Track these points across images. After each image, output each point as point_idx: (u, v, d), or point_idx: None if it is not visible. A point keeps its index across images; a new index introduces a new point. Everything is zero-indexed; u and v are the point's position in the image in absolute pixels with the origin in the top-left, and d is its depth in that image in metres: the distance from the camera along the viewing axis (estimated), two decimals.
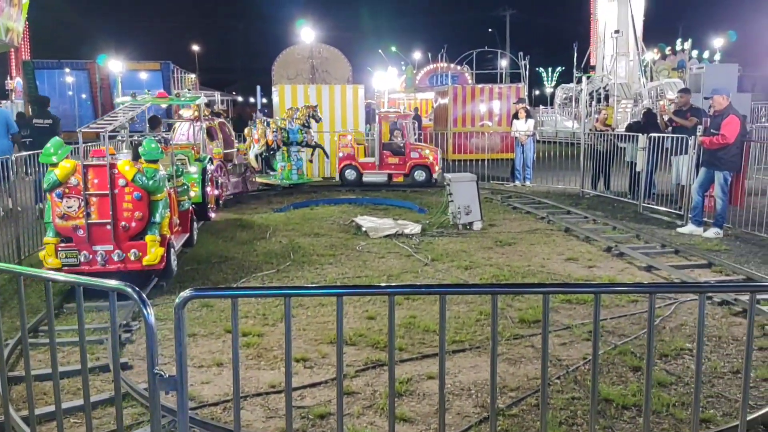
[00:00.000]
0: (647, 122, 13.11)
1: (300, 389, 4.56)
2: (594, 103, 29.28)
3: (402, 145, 15.16)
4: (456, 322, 5.88)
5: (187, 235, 8.52)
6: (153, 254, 6.78)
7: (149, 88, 27.53)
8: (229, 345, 5.44)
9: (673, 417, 4.10)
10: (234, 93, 50.41)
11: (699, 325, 2.74)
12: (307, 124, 15.06)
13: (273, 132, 14.62)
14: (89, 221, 6.69)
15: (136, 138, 9.54)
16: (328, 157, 16.36)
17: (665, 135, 11.28)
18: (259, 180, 14.97)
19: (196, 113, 11.62)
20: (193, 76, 33.56)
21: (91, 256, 6.76)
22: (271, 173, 15.78)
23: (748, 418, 3.90)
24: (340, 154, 15.41)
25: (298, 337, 5.63)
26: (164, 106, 17.71)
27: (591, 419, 2.87)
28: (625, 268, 7.73)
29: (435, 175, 14.82)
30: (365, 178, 15.21)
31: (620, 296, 6.53)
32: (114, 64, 13.26)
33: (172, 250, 7.31)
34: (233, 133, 14.58)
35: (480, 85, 25.41)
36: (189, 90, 23.68)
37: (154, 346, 2.56)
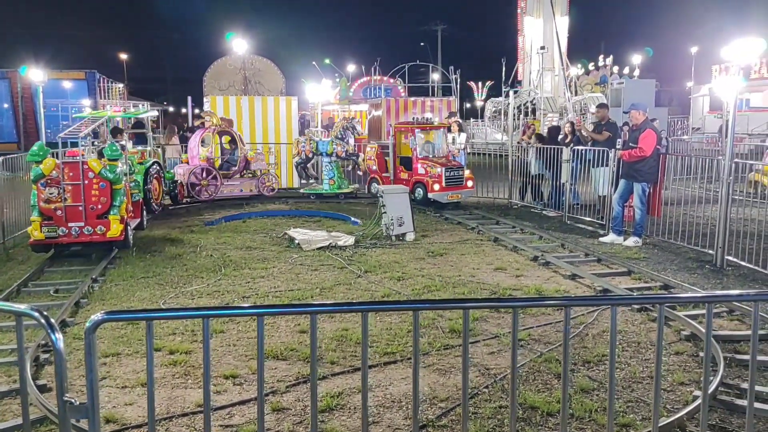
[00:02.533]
0: (550, 137, 13.81)
1: (228, 407, 4.49)
2: (522, 116, 30.15)
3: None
4: (388, 333, 5.92)
5: (139, 219, 10.76)
6: (115, 229, 9.06)
7: (74, 97, 26.68)
8: (155, 364, 5.29)
9: (596, 423, 4.24)
10: (165, 103, 49.22)
11: (612, 337, 2.86)
12: (340, 136, 15.21)
13: (303, 144, 15.67)
14: (66, 204, 8.93)
15: (97, 144, 11.74)
16: (359, 168, 16.17)
17: (586, 148, 11.73)
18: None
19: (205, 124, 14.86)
20: (120, 85, 32.59)
21: (67, 231, 8.89)
22: (312, 182, 16.57)
23: (661, 424, 4.10)
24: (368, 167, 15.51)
25: (228, 353, 5.54)
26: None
27: (512, 427, 2.94)
28: (551, 277, 7.97)
29: (430, 195, 13.50)
30: None
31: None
32: (35, 73, 12.70)
33: (128, 227, 9.52)
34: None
35: (413, 98, 25.82)
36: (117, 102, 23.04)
37: (63, 373, 2.45)
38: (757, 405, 4.32)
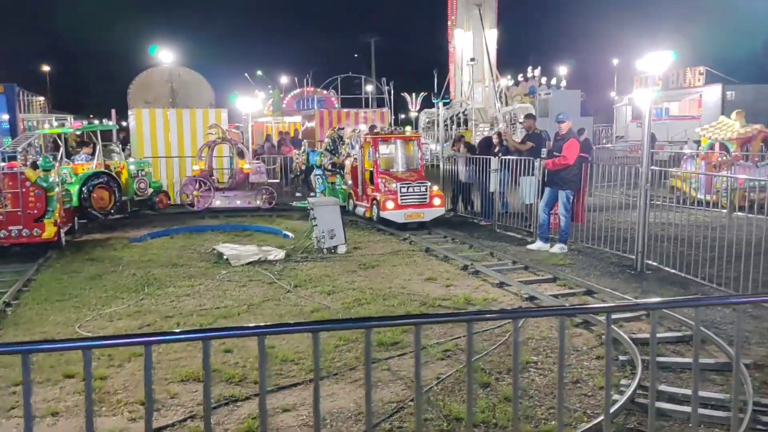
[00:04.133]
0: (483, 147, 14.14)
1: None
2: (455, 126, 30.62)
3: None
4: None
5: (70, 224, 11.89)
6: (49, 231, 10.18)
7: None
8: (68, 392, 5.03)
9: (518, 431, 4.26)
10: (91, 116, 47.53)
11: (515, 351, 2.86)
12: (330, 148, 14.83)
13: (298, 156, 15.62)
14: (6, 210, 10.03)
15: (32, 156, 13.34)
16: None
17: (513, 158, 11.96)
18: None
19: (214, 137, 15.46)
20: (41, 98, 31.30)
21: (7, 233, 9.99)
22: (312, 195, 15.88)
23: (581, 429, 4.17)
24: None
25: None
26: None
27: None
28: (480, 286, 8.05)
29: (383, 214, 12.22)
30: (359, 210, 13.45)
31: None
32: None
33: (61, 231, 10.63)
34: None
35: (345, 109, 25.83)
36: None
37: None
38: (674, 407, 4.47)
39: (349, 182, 14.13)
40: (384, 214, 12.07)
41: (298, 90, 31.75)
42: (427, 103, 38.46)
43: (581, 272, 8.60)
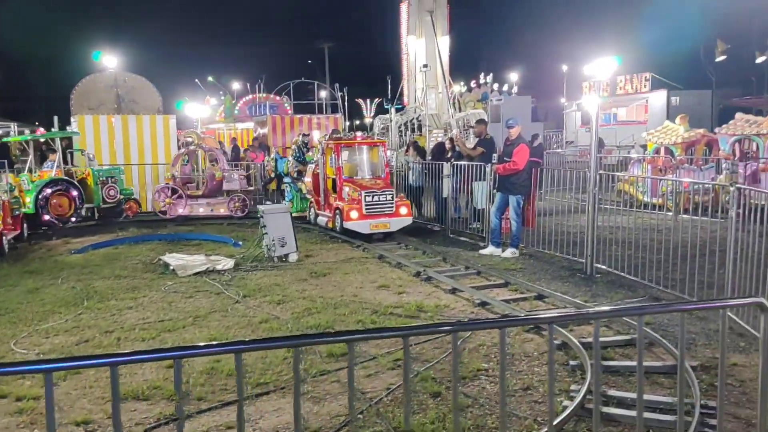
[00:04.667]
0: (437, 152, 14.20)
1: None
2: (409, 132, 30.67)
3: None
4: (262, 362, 5.63)
5: (18, 231, 11.90)
6: None
7: None
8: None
9: None
10: (37, 123, 45.92)
11: (454, 363, 2.76)
12: (296, 155, 14.31)
13: (267, 163, 15.25)
14: None
15: None
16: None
17: (465, 163, 11.98)
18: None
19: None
20: None
21: None
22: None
23: None
24: None
25: (83, 396, 5.06)
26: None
27: None
28: (432, 292, 7.98)
29: (346, 224, 11.53)
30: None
31: (425, 321, 6.71)
32: None
33: (4, 238, 10.82)
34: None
35: (298, 116, 25.56)
36: None
37: None
38: (623, 411, 4.46)
39: (311, 190, 13.47)
40: (348, 225, 11.40)
41: (250, 96, 31.32)
42: (382, 109, 38.49)
43: (532, 276, 8.63)
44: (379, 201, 11.46)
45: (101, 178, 14.47)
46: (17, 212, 11.89)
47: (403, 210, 11.70)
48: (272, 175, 15.60)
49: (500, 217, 10.18)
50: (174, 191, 14.97)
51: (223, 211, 15.03)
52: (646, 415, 4.34)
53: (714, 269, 6.98)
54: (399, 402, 4.78)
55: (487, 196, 10.76)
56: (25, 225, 12.45)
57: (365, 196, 11.38)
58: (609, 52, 8.88)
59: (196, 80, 36.03)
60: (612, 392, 4.75)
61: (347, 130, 24.69)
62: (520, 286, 8.02)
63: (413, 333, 3.94)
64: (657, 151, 15.52)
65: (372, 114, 45.18)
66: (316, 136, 22.74)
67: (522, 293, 7.78)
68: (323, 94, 37.15)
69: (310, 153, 14.35)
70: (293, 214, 13.61)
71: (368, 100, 47.50)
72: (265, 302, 7.63)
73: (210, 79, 36.40)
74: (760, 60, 32.02)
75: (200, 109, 19.05)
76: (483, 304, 7.31)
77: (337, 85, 26.82)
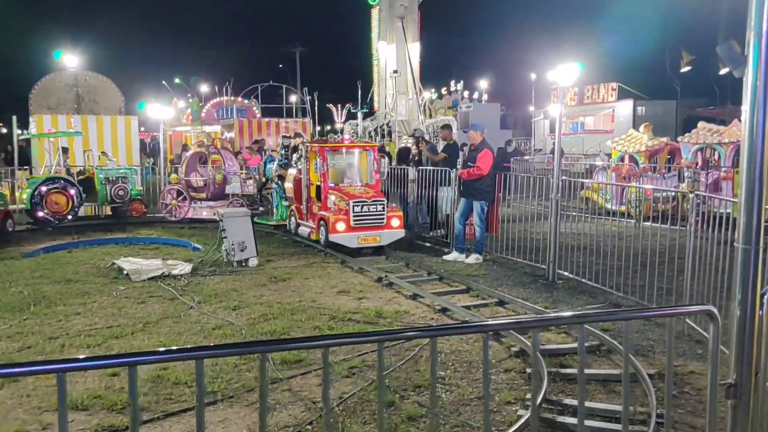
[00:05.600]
0: (400, 157, 14.13)
1: None
2: (379, 138, 30.57)
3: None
4: (212, 369, 5.41)
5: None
6: None
7: None
8: None
9: None
10: (1, 124, 44.68)
11: (432, 368, 2.62)
12: (282, 161, 13.44)
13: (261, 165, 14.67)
14: None
15: None
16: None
17: (430, 168, 11.90)
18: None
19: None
20: None
21: None
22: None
23: None
24: None
25: (18, 405, 4.79)
26: None
27: None
28: (393, 298, 7.84)
29: (332, 237, 10.36)
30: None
31: (384, 327, 6.56)
32: None
33: None
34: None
35: (266, 119, 25.31)
36: None
37: None
38: (575, 420, 4.34)
39: (292, 197, 12.37)
40: (334, 238, 10.27)
41: (217, 99, 30.90)
42: (352, 115, 38.34)
43: (494, 282, 8.55)
44: (369, 212, 10.35)
45: (111, 178, 14.56)
46: (1, 207, 12.46)
47: (395, 222, 10.61)
48: (264, 179, 15.04)
49: (464, 222, 10.10)
50: (179, 193, 14.73)
51: None
52: (601, 424, 4.26)
53: (673, 276, 6.97)
54: (351, 412, 4.62)
55: (452, 202, 10.67)
56: (10, 220, 12.80)
57: (353, 206, 10.27)
58: (577, 61, 8.87)
59: (163, 82, 35.45)
60: (568, 401, 4.65)
61: (316, 135, 24.42)
62: (482, 292, 7.93)
63: (387, 338, 3.69)
64: (621, 159, 15.66)
65: (343, 119, 45.07)
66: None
67: (483, 299, 7.69)
68: (293, 98, 36.91)
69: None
70: (276, 222, 13.43)
71: (339, 106, 47.40)
72: (220, 308, 7.41)
73: (176, 80, 35.86)
74: (723, 71, 32.72)
75: (163, 110, 18.62)
76: (443, 310, 7.19)
77: (305, 89, 26.58)
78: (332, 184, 10.90)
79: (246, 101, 30.79)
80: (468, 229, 10.26)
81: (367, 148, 11.74)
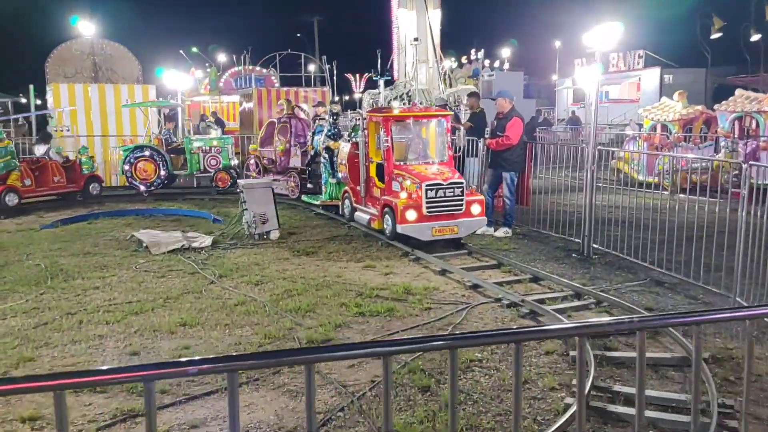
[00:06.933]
0: None
1: None
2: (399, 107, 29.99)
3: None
4: (235, 349, 5.17)
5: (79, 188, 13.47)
6: None
7: None
8: None
9: None
10: (21, 95, 44.57)
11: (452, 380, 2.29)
12: (330, 130, 11.73)
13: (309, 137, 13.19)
14: None
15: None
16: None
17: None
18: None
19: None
20: None
21: None
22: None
23: None
24: None
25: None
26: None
27: None
28: (422, 273, 7.53)
29: (399, 228, 8.49)
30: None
31: (413, 304, 6.26)
32: None
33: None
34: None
35: (285, 88, 24.85)
36: None
37: None
38: (630, 410, 4.03)
39: (347, 176, 10.30)
40: (403, 229, 8.44)
41: (235, 68, 30.46)
42: (371, 84, 37.75)
43: (526, 257, 8.18)
44: (446, 197, 8.48)
45: (204, 147, 14.48)
46: (84, 172, 13.48)
47: (476, 208, 8.66)
48: (312, 152, 12.92)
49: (493, 194, 9.71)
50: (255, 165, 14.26)
51: (283, 189, 13.32)
52: (658, 414, 3.93)
53: (719, 252, 6.53)
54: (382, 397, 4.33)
55: (479, 173, 10.27)
56: (95, 184, 13.83)
57: (427, 190, 8.42)
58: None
59: (181, 51, 35.06)
60: (617, 388, 4.32)
61: (324, 105, 23.80)
62: (514, 268, 7.58)
63: (459, 344, 2.91)
64: (653, 129, 15.08)
65: (361, 89, 44.45)
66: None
67: (516, 275, 7.34)
68: (311, 67, 36.35)
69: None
70: (322, 202, 11.77)
71: (357, 75, 46.72)
72: (242, 283, 7.15)
73: (194, 49, 35.45)
74: (755, 38, 31.57)
75: (181, 79, 18.24)
76: (474, 286, 6.87)
77: (324, 57, 26.05)
78: (397, 163, 9.05)
79: (264, 70, 30.32)
80: (496, 201, 9.87)
81: (440, 116, 9.42)
